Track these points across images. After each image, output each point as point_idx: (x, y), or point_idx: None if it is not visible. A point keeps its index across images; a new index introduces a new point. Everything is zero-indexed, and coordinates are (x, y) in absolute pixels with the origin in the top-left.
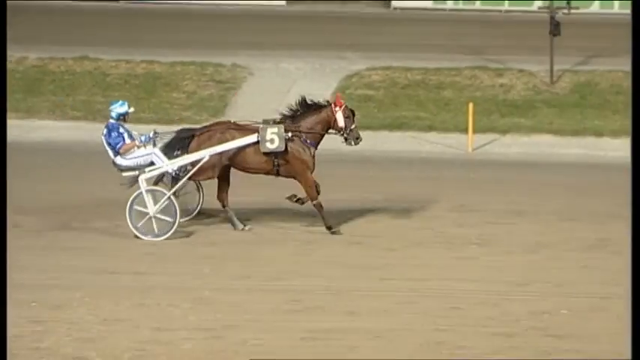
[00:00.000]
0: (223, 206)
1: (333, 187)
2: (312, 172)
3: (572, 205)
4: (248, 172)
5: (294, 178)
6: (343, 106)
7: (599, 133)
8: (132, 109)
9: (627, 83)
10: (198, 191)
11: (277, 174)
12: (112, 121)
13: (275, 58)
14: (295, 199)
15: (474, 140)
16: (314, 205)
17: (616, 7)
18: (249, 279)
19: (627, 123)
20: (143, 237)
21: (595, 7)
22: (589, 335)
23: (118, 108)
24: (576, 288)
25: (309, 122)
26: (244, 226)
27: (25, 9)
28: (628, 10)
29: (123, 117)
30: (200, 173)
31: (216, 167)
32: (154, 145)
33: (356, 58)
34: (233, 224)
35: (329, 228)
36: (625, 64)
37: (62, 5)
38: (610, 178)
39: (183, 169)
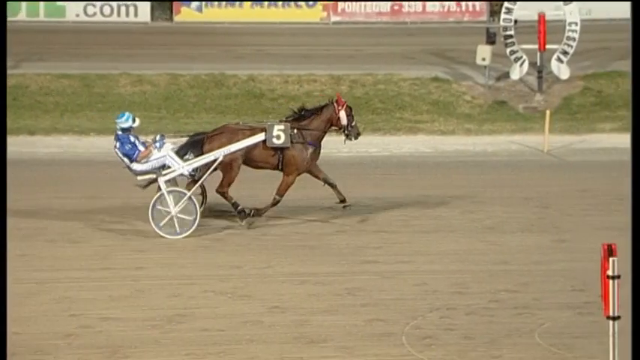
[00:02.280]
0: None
1: None
2: (300, 173)
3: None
4: (257, 167)
5: (283, 172)
6: (345, 105)
7: (32, 132)
8: (136, 123)
9: (55, 85)
10: (202, 192)
11: (281, 169)
12: (119, 133)
13: None
14: (342, 205)
15: None
16: (275, 198)
17: (42, 15)
18: None
19: (58, 121)
20: (166, 235)
21: (22, 15)
22: None
23: (123, 123)
24: None
25: (315, 122)
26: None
27: None
28: (51, 18)
29: (128, 130)
30: (229, 172)
31: (239, 163)
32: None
33: None
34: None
35: (240, 213)
36: (54, 68)
37: None
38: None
39: (198, 170)
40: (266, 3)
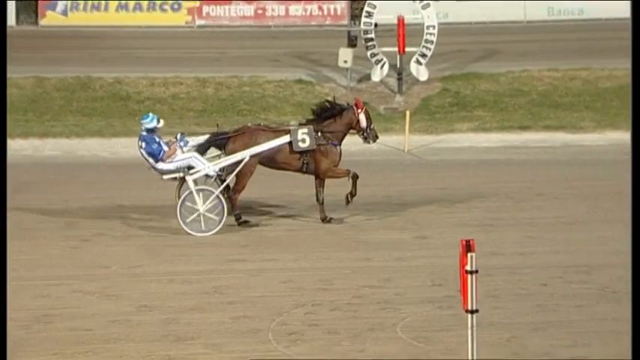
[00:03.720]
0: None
1: None
2: (336, 165)
3: None
4: (279, 169)
5: (320, 175)
6: (364, 108)
7: None
8: (161, 124)
9: None
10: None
11: (305, 171)
12: (144, 133)
13: None
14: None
15: None
16: (351, 177)
17: None
18: None
19: None
20: (193, 233)
21: None
22: None
23: (148, 124)
24: None
25: (335, 124)
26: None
27: None
28: None
29: (152, 130)
30: (243, 177)
31: (254, 166)
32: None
33: None
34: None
35: (351, 194)
36: None
37: None
38: None
39: (224, 170)
40: (131, 6)
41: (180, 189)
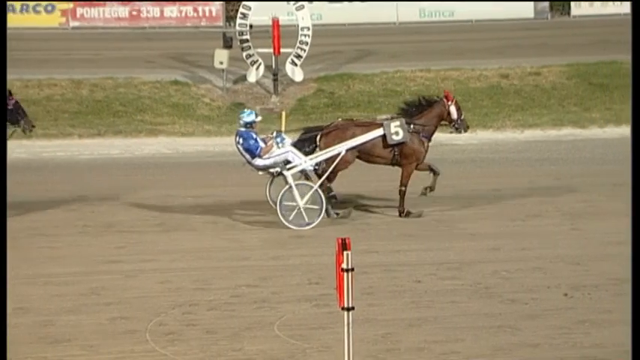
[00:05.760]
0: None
1: None
2: (418, 165)
3: None
4: (372, 162)
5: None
6: (454, 100)
7: None
8: (259, 118)
9: None
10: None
11: (395, 164)
12: (241, 129)
13: None
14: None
15: None
16: (401, 190)
17: None
18: None
19: None
20: (294, 227)
21: None
22: None
23: (246, 117)
24: None
25: (426, 117)
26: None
27: None
28: None
29: (250, 125)
30: (341, 165)
31: (350, 159)
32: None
33: None
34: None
35: (401, 213)
36: None
37: None
38: None
39: (321, 164)
40: None
41: (270, 185)
